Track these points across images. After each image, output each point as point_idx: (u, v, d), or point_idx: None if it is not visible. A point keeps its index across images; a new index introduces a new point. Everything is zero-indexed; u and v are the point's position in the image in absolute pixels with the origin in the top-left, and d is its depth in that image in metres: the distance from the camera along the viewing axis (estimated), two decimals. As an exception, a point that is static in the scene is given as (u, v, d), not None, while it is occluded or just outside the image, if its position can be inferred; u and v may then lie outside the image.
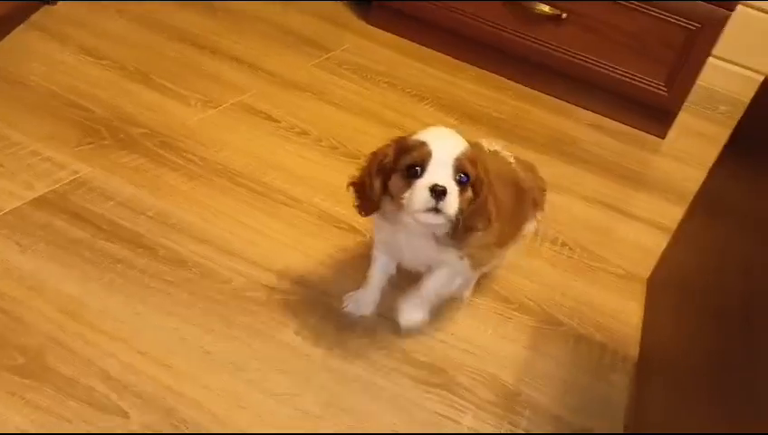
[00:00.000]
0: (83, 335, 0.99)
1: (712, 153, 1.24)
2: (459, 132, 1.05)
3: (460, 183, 1.00)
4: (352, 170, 1.55)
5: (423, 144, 1.00)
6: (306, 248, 1.28)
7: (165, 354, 1.00)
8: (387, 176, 1.02)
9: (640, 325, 1.31)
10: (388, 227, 1.08)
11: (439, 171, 0.99)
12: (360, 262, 1.28)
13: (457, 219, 1.00)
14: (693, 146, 2.15)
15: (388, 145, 1.04)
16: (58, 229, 1.15)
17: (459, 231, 1.03)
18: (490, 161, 1.11)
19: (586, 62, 2.10)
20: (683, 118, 2.16)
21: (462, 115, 1.92)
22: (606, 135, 2.08)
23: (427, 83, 2.04)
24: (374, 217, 1.10)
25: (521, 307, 1.29)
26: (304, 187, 1.42)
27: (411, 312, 1.14)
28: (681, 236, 1.32)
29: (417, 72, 2.09)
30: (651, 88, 2.07)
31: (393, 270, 1.18)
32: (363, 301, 1.17)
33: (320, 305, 1.16)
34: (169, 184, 1.33)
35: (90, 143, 1.38)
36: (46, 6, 1.82)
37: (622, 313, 1.36)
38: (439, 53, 2.23)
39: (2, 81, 1.48)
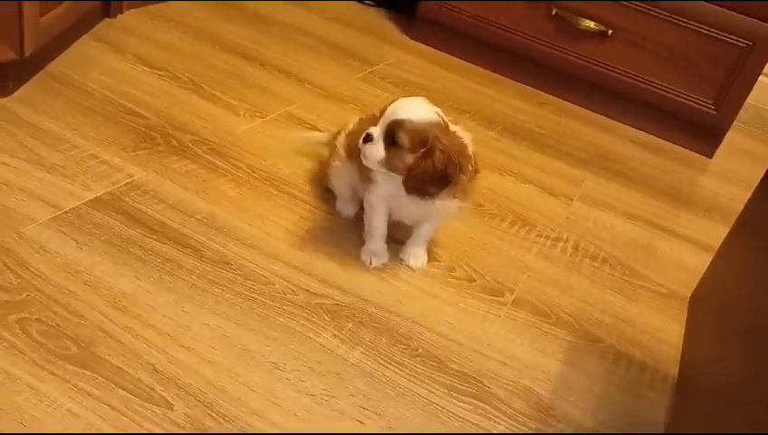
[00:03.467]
0: (133, 329, 1.04)
1: (760, 173, 1.23)
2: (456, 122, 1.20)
3: (391, 143, 1.16)
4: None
5: (391, 104, 1.18)
6: (345, 255, 1.31)
7: (207, 350, 1.04)
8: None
9: (681, 345, 1.30)
10: (387, 183, 1.23)
11: (379, 126, 1.18)
12: (396, 270, 1.31)
13: (405, 180, 1.17)
14: (740, 166, 2.11)
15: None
16: (113, 229, 1.21)
17: (409, 190, 1.18)
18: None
19: (631, 78, 2.08)
20: (731, 137, 2.13)
21: (503, 129, 1.94)
22: (650, 152, 2.06)
23: (469, 97, 2.06)
24: (377, 175, 1.24)
25: (558, 322, 1.29)
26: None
27: (418, 256, 1.33)
28: (724, 255, 1.30)
29: (459, 86, 2.11)
30: (699, 106, 2.05)
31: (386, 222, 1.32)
32: (379, 252, 1.31)
33: (357, 311, 1.19)
34: (217, 189, 1.39)
35: (144, 148, 1.44)
36: (107, 19, 1.91)
37: (662, 331, 1.34)
38: (481, 68, 2.25)
39: (65, 87, 1.57)
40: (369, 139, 1.18)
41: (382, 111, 1.19)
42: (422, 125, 1.16)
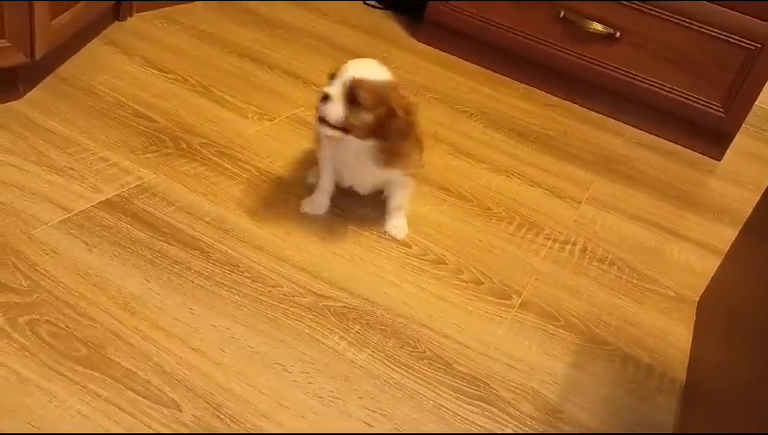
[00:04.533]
0: (142, 331, 1.04)
1: (769, 176, 1.23)
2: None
3: (351, 102, 1.18)
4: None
5: (344, 65, 1.20)
6: (352, 257, 1.31)
7: (216, 352, 1.04)
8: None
9: (689, 348, 1.29)
10: (335, 149, 1.29)
11: (336, 85, 1.19)
12: (404, 272, 1.31)
13: (380, 147, 1.21)
14: (749, 168, 2.11)
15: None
16: (122, 231, 1.22)
17: (387, 157, 1.22)
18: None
19: (638, 80, 2.08)
20: (740, 139, 2.12)
21: (510, 131, 1.94)
22: (657, 154, 2.05)
23: (476, 99, 2.06)
24: (323, 140, 1.30)
25: (566, 324, 1.29)
26: (351, 198, 1.45)
27: (398, 227, 1.39)
28: (733, 258, 1.30)
29: (466, 88, 2.12)
30: (707, 108, 2.04)
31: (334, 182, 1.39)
32: (318, 203, 1.38)
33: (364, 313, 1.19)
34: (226, 191, 1.39)
35: (154, 151, 1.45)
36: (117, 22, 1.93)
37: (671, 335, 1.34)
38: (488, 70, 2.26)
39: (75, 90, 1.58)
40: (327, 98, 1.18)
41: (334, 72, 1.20)
42: (381, 84, 1.19)
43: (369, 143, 1.23)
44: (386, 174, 1.31)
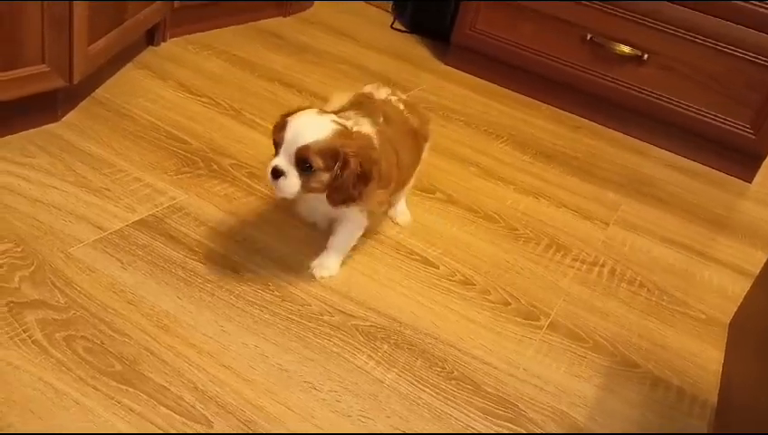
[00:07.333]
0: (174, 348, 1.06)
1: (801, 198, 1.21)
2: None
3: (303, 170, 1.12)
4: (427, 204, 1.60)
5: (284, 126, 1.12)
6: (380, 277, 1.32)
7: (247, 369, 1.05)
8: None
9: (720, 371, 1.27)
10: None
11: (283, 156, 1.12)
12: (432, 293, 1.31)
13: (329, 195, 1.15)
14: (782, 190, 2.07)
15: (282, 117, 1.16)
16: (156, 250, 1.25)
17: (336, 203, 1.16)
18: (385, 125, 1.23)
19: (667, 102, 2.08)
20: (772, 162, 2.09)
21: (537, 153, 1.94)
22: (687, 176, 2.04)
23: (502, 121, 2.07)
24: None
25: (595, 346, 1.28)
26: (380, 219, 1.47)
27: (322, 265, 1.28)
28: (764, 280, 1.28)
29: (493, 111, 2.13)
30: (737, 130, 2.03)
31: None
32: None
33: (392, 333, 1.19)
34: (256, 212, 1.42)
35: (186, 172, 1.49)
36: (151, 47, 1.98)
37: (701, 358, 1.32)
38: (514, 92, 2.27)
39: (111, 113, 1.63)
40: (279, 173, 1.13)
41: (277, 138, 1.13)
42: (328, 140, 1.11)
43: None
44: (339, 211, 1.23)
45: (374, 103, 1.30)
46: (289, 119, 1.14)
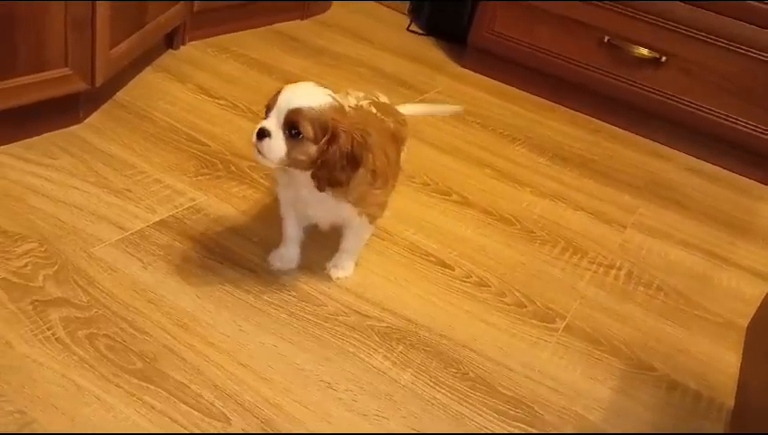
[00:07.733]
0: (194, 346, 1.08)
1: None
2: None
3: (291, 135, 1.05)
4: (443, 206, 1.61)
5: (278, 92, 1.07)
6: (396, 278, 1.33)
7: (264, 368, 1.07)
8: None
9: (737, 375, 1.26)
10: (289, 185, 1.17)
11: (273, 118, 1.06)
12: (447, 294, 1.32)
13: (315, 172, 1.08)
14: (802, 194, 2.05)
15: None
16: (176, 250, 1.27)
17: (321, 183, 1.09)
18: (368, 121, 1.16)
19: (685, 105, 2.06)
20: (791, 164, 2.07)
21: (554, 156, 1.94)
22: (706, 180, 2.02)
23: (519, 124, 2.07)
24: (278, 177, 1.20)
25: (611, 349, 1.28)
26: (395, 221, 1.48)
27: (337, 267, 1.29)
28: (785, 284, 1.27)
29: (509, 113, 2.13)
30: (757, 133, 2.01)
31: (302, 226, 1.28)
32: (286, 257, 1.28)
33: (408, 333, 1.20)
34: (273, 213, 1.43)
35: (205, 174, 1.51)
36: (170, 50, 2.01)
37: (719, 361, 1.31)
38: (531, 95, 2.27)
39: (132, 115, 1.65)
40: (265, 134, 1.05)
41: (270, 102, 1.08)
42: (322, 110, 1.05)
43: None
44: (341, 211, 1.19)
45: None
46: (286, 86, 1.09)
